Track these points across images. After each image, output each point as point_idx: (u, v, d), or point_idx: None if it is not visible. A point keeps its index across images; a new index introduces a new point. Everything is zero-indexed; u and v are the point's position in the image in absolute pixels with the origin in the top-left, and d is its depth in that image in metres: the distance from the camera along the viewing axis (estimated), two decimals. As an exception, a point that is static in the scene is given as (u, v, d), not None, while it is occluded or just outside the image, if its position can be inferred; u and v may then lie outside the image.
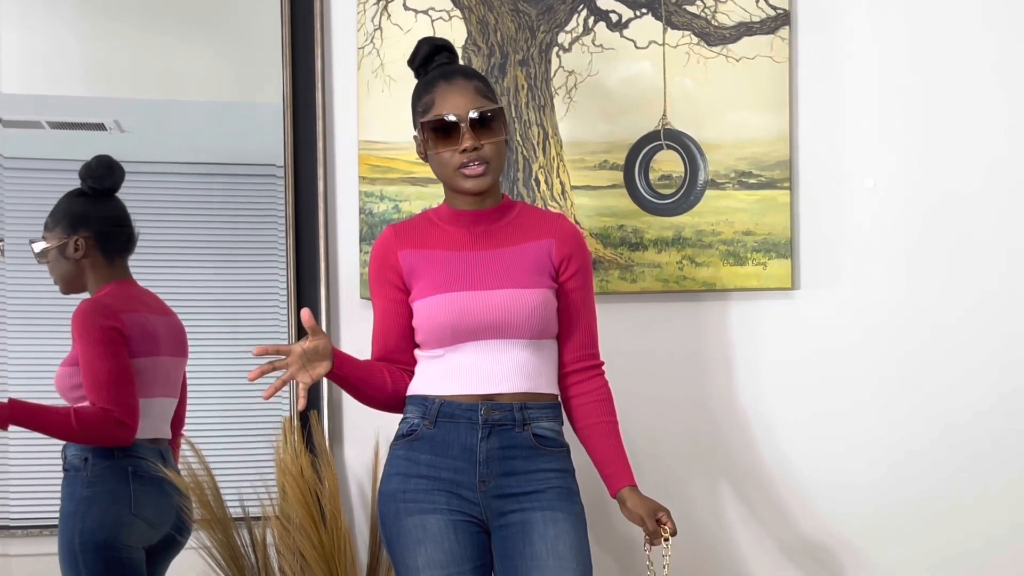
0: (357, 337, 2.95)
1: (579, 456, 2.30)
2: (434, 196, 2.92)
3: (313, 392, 2.91)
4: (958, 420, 2.88)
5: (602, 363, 2.33)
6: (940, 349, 2.89)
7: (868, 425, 2.90)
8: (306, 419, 2.87)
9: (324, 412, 2.91)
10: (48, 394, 2.65)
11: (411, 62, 2.35)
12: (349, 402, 2.94)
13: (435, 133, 2.22)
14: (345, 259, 2.96)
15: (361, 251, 2.93)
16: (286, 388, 2.91)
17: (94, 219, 2.66)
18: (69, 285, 2.68)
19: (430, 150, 2.24)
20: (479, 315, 2.20)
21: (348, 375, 2.22)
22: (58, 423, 2.50)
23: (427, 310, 2.23)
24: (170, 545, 2.70)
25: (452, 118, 2.19)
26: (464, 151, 2.19)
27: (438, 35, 2.90)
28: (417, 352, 2.30)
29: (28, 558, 2.86)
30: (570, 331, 2.29)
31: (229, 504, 2.76)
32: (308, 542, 2.73)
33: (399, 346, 2.30)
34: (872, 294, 2.91)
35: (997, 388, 2.88)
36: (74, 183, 2.70)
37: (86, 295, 2.68)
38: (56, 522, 2.59)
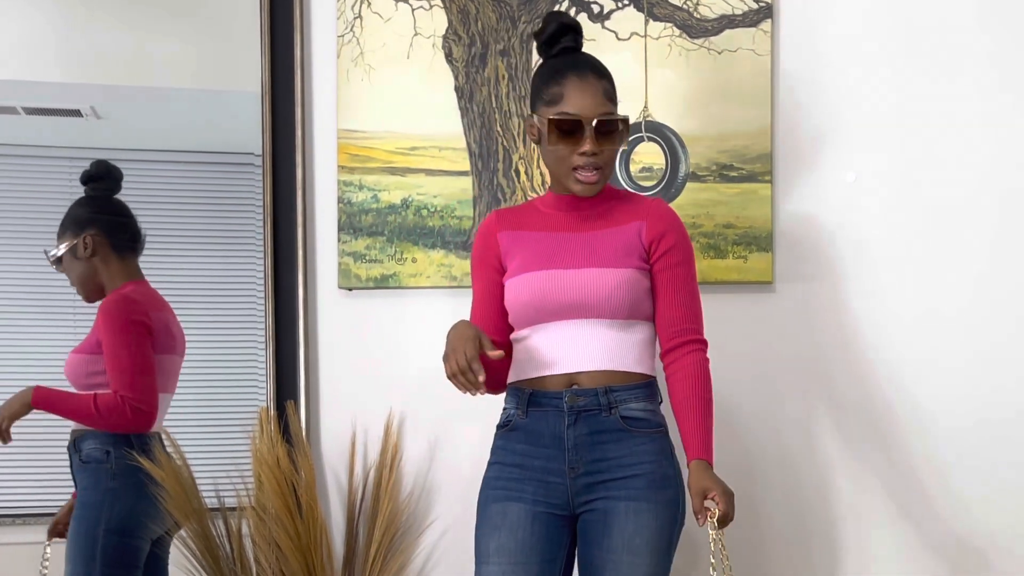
0: (334, 327, 2.94)
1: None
2: (413, 186, 2.91)
3: (289, 382, 2.90)
4: (943, 416, 2.89)
5: (702, 340, 2.27)
6: (920, 343, 2.90)
7: (852, 421, 2.90)
8: (283, 409, 2.86)
9: (301, 402, 2.90)
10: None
11: (537, 36, 2.34)
12: (327, 392, 2.93)
13: (558, 128, 2.21)
14: (323, 248, 2.95)
15: (340, 240, 2.91)
16: (263, 378, 2.91)
17: (98, 217, 2.74)
18: (87, 288, 2.76)
19: (548, 144, 2.24)
20: (562, 294, 2.21)
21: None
22: (81, 408, 2.60)
23: (514, 288, 2.26)
24: (160, 539, 2.72)
25: (578, 120, 2.19)
26: (583, 154, 2.21)
27: (420, 24, 2.90)
28: (512, 336, 2.32)
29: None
30: (666, 309, 2.26)
31: (205, 494, 2.75)
32: (284, 533, 2.71)
33: (499, 327, 2.31)
34: (852, 288, 2.91)
35: (982, 381, 2.89)
36: (48, 168, 2.74)
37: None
38: (20, 511, 2.70)
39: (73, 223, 2.75)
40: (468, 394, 2.11)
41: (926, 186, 2.91)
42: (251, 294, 2.95)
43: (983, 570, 2.87)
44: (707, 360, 2.27)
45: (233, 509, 2.78)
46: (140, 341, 2.63)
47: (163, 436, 2.73)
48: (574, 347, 2.22)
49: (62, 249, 2.74)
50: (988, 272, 2.90)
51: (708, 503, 2.12)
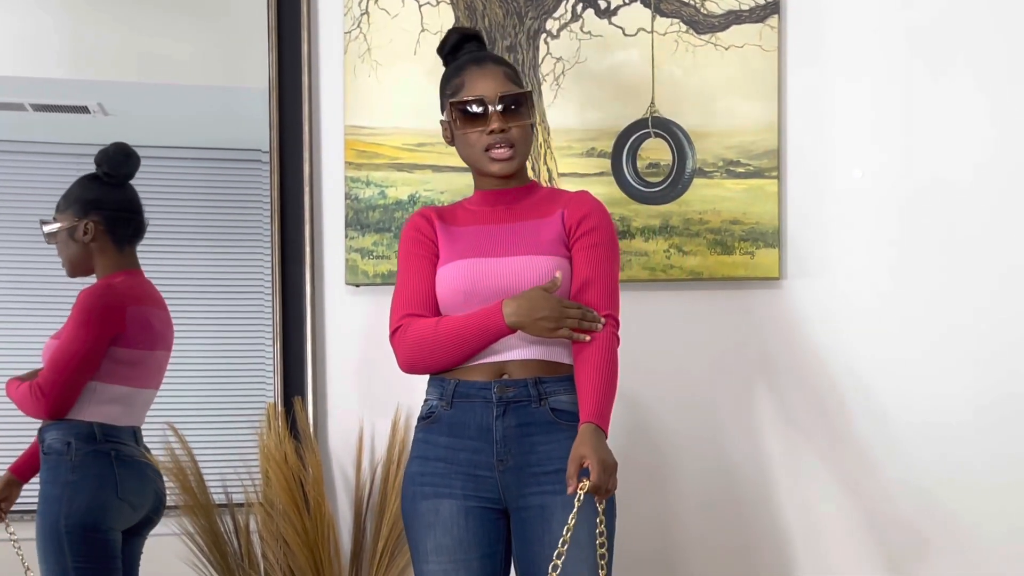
0: (342, 323, 2.94)
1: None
2: (420, 182, 2.91)
3: (297, 378, 2.90)
4: (945, 415, 2.88)
5: (615, 319, 2.20)
6: (926, 340, 2.89)
7: (854, 419, 2.90)
8: (290, 405, 2.86)
9: (309, 398, 2.90)
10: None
11: (440, 50, 2.36)
12: (334, 388, 2.94)
13: (463, 115, 2.22)
14: (331, 245, 2.95)
15: (347, 236, 2.92)
16: (270, 374, 2.91)
17: (106, 205, 2.67)
18: (75, 268, 2.69)
19: (457, 131, 2.25)
20: (493, 280, 2.18)
21: None
22: (13, 386, 2.62)
23: (444, 276, 2.22)
24: (145, 524, 2.70)
25: (481, 100, 2.20)
26: (491, 133, 2.20)
27: (427, 21, 2.90)
28: None
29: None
30: (583, 288, 2.20)
31: (212, 490, 2.75)
32: (291, 528, 2.72)
33: (438, 309, 2.24)
34: (859, 284, 2.91)
35: (985, 379, 2.88)
36: (56, 165, 2.71)
37: (92, 279, 2.69)
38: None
39: (79, 203, 2.66)
40: (586, 336, 2.14)
41: (932, 182, 2.91)
42: (258, 290, 2.96)
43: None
44: (617, 339, 2.20)
45: (241, 505, 2.79)
46: (98, 340, 2.56)
47: (173, 431, 2.73)
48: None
49: (58, 226, 2.66)
50: (997, 269, 2.90)
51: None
